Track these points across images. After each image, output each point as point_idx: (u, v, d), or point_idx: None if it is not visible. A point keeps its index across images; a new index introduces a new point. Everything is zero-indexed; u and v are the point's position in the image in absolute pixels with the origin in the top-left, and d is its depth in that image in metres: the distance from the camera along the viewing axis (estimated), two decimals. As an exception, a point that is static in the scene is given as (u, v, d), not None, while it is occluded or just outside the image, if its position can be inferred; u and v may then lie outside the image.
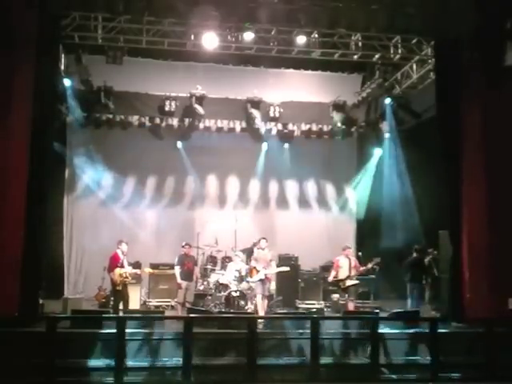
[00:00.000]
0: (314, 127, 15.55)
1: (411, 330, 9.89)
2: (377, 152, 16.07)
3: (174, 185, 15.68)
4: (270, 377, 8.81)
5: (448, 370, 9.23)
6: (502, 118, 11.12)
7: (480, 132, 11.26)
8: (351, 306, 11.75)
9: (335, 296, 13.21)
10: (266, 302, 11.94)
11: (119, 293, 11.32)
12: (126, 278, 11.36)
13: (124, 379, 8.43)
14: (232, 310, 11.28)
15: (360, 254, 12.55)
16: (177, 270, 12.16)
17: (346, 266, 11.86)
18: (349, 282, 11.79)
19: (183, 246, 12.38)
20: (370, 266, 12.00)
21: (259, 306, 11.59)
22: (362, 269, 11.98)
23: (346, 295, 11.86)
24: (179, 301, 11.99)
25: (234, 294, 11.82)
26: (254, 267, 11.91)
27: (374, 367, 9.12)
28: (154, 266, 13.16)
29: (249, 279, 12.06)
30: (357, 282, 11.94)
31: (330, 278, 12.04)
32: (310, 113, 15.33)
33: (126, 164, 15.16)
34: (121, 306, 11.26)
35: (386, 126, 15.16)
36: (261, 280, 11.73)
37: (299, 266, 14.48)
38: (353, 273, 11.81)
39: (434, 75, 13.03)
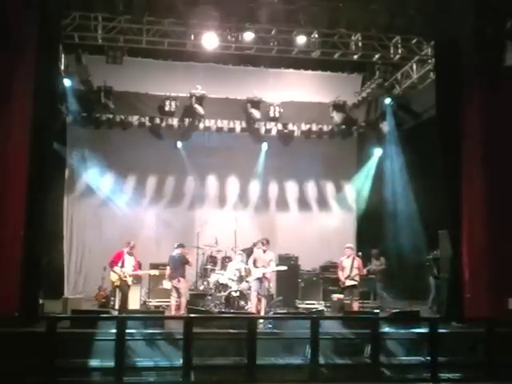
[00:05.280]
0: (314, 127, 15.55)
1: (411, 330, 9.89)
2: (377, 152, 16.07)
3: (173, 185, 15.67)
4: (269, 377, 8.80)
5: (448, 369, 9.22)
6: (502, 117, 11.13)
7: (480, 132, 11.26)
8: (356, 306, 11.74)
9: (335, 296, 13.21)
10: (265, 301, 11.76)
11: (120, 289, 11.33)
12: (125, 277, 11.37)
13: (124, 379, 8.42)
14: (232, 310, 11.28)
15: (360, 254, 12.54)
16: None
17: (348, 267, 11.86)
18: (348, 282, 11.80)
19: (183, 247, 12.35)
20: (367, 269, 12.07)
21: (253, 303, 11.42)
22: (363, 271, 12.03)
23: (350, 296, 11.80)
24: (187, 298, 12.05)
25: (233, 293, 11.82)
26: (252, 266, 11.84)
27: (374, 367, 9.11)
28: (153, 266, 13.15)
29: (248, 279, 12.03)
30: (355, 282, 11.85)
31: (342, 279, 11.88)
32: (310, 113, 15.32)
33: (126, 164, 15.16)
34: (117, 306, 11.28)
35: (385, 126, 15.15)
36: (258, 278, 11.60)
37: (299, 266, 14.50)
38: (354, 273, 11.79)
39: (434, 75, 13.03)
